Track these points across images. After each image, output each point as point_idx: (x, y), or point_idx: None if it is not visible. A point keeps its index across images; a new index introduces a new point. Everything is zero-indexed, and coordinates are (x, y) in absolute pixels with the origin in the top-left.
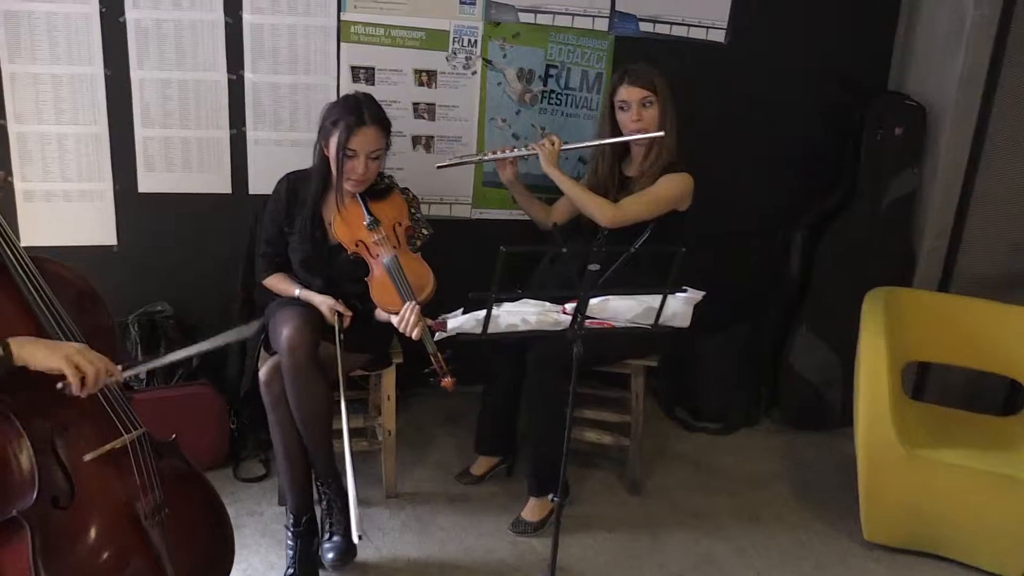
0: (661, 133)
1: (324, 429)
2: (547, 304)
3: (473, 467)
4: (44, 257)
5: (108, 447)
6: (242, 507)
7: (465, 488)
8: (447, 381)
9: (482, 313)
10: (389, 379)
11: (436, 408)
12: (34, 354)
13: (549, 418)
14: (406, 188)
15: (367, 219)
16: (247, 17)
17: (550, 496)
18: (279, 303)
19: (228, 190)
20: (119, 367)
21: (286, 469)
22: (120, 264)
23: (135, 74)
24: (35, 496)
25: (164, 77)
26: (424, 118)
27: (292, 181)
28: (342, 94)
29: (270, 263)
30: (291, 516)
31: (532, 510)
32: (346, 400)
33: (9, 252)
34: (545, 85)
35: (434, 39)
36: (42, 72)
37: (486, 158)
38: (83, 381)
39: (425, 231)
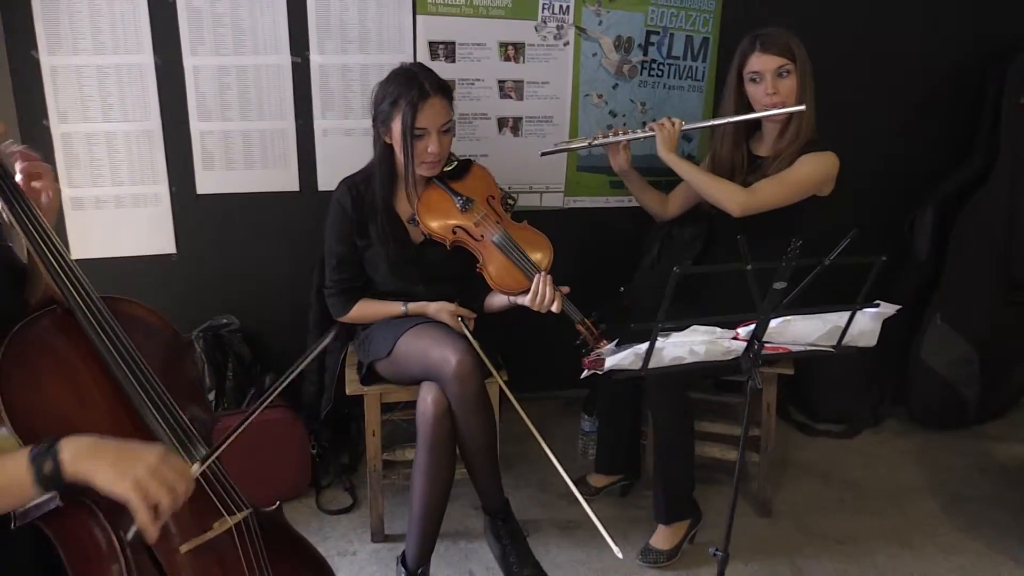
0: (802, 107)
1: (496, 456)
2: (717, 330)
3: (591, 478)
4: (116, 296)
5: (209, 535)
6: (332, 546)
7: (576, 512)
8: (604, 344)
9: (643, 347)
10: (493, 394)
11: (520, 420)
12: (95, 471)
13: (675, 437)
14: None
15: (458, 201)
16: None
17: (712, 550)
18: (391, 323)
19: (295, 187)
20: (195, 466)
21: (425, 517)
22: (180, 274)
23: (188, 61)
24: None
25: (221, 63)
26: (511, 97)
27: (353, 186)
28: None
29: (347, 292)
30: (403, 570)
31: (663, 537)
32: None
33: (78, 294)
34: (645, 54)
35: (521, 7)
36: (86, 64)
37: (596, 142)
38: (156, 511)
39: (511, 199)
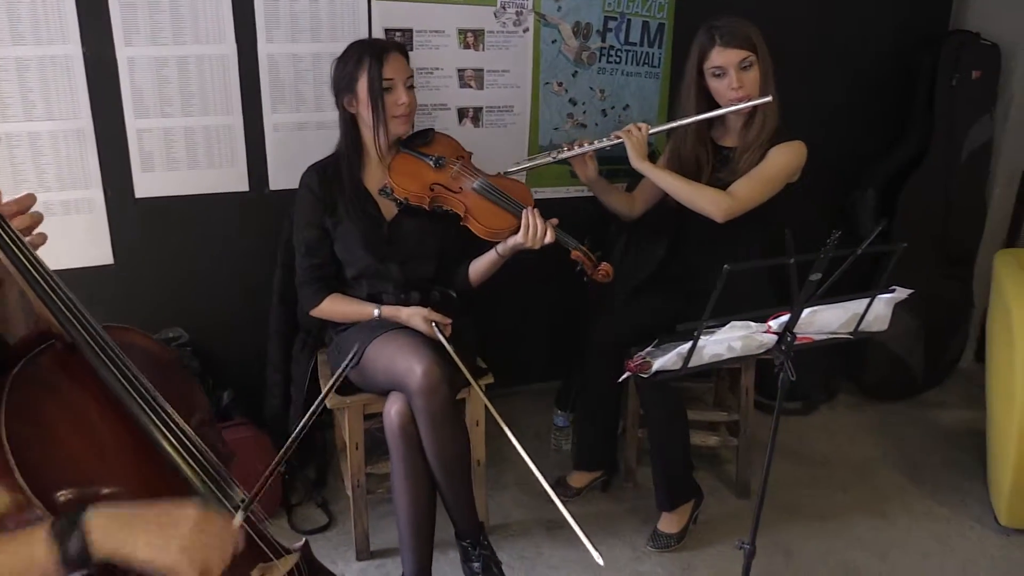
0: (768, 99)
1: (468, 474)
2: (752, 325)
3: (571, 478)
4: (111, 324)
5: None
6: None
7: (558, 509)
8: (604, 268)
9: (685, 347)
10: (477, 402)
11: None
12: (132, 545)
13: (670, 426)
14: None
15: (429, 160)
16: None
17: (738, 543)
18: (364, 329)
19: (245, 187)
20: (237, 516)
21: (414, 532)
22: (120, 285)
23: (122, 52)
24: None
25: (159, 54)
26: (471, 86)
27: (321, 169)
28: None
29: (319, 280)
30: None
31: (669, 522)
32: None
33: (81, 326)
34: (604, 41)
35: None
36: (2, 56)
37: (561, 155)
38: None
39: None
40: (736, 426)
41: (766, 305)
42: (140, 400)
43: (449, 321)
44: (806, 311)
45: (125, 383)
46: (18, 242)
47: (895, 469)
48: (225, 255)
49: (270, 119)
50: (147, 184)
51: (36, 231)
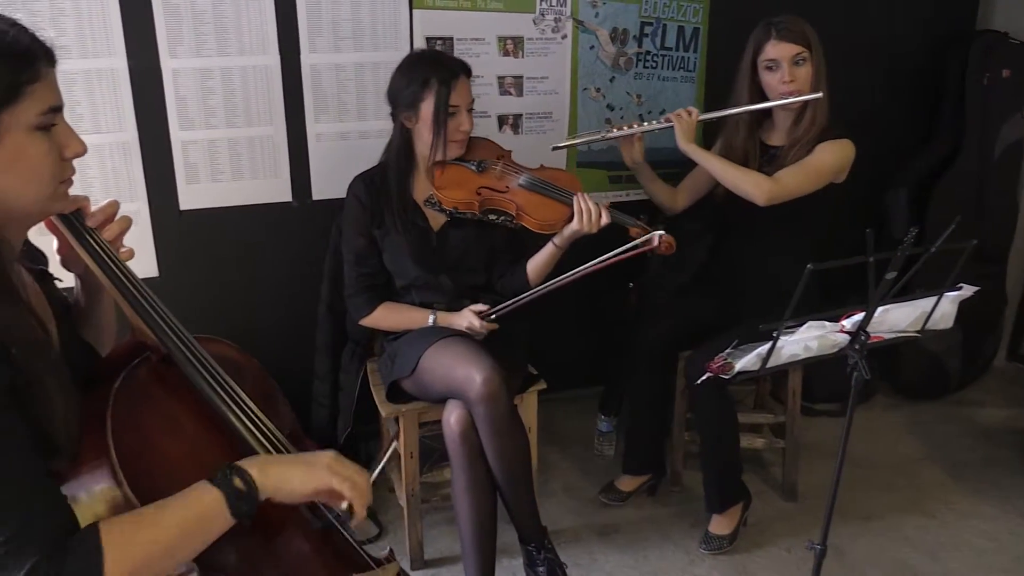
0: (819, 95)
1: (530, 478)
2: (827, 325)
3: (620, 482)
4: (204, 336)
5: None
6: None
7: (610, 515)
8: (666, 240)
9: (764, 347)
10: (531, 405)
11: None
12: (287, 477)
13: (722, 428)
14: None
15: (471, 166)
16: None
17: (809, 544)
18: (416, 337)
19: (288, 198)
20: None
21: (477, 540)
22: (164, 298)
23: (167, 64)
24: None
25: (203, 66)
26: (511, 93)
27: (367, 178)
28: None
29: (370, 289)
30: None
31: (720, 524)
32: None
33: (178, 339)
34: (640, 46)
35: (520, 0)
36: None
37: (611, 135)
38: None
39: None
40: (780, 428)
41: (813, 306)
42: (237, 410)
43: (495, 327)
44: (880, 310)
45: (222, 393)
46: (111, 256)
47: (937, 468)
48: (269, 266)
49: (313, 129)
50: (191, 196)
51: (123, 247)
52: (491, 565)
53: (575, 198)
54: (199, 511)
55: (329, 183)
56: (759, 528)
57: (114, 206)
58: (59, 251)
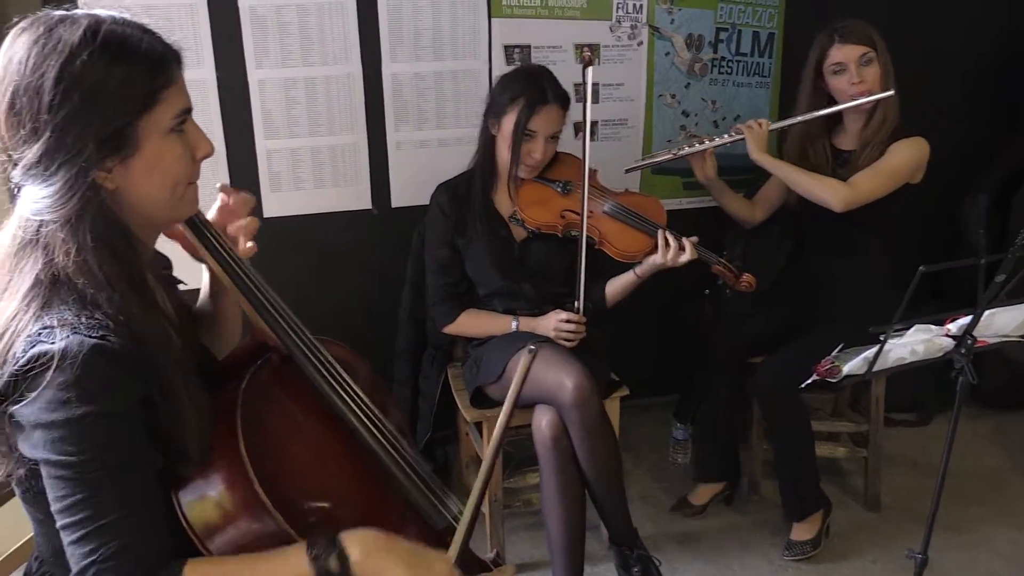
0: (890, 93)
1: (622, 480)
2: (933, 328)
3: (692, 496)
4: (324, 338)
5: None
6: None
7: (689, 523)
8: (747, 279)
9: (872, 351)
10: (614, 411)
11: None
12: (392, 572)
13: (798, 436)
14: None
15: (557, 187)
16: None
17: (908, 553)
18: (502, 343)
19: (368, 205)
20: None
21: (568, 544)
22: None
23: (253, 75)
24: None
25: (287, 76)
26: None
27: (450, 187)
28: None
29: (453, 298)
30: None
31: (801, 531)
32: None
33: (299, 339)
34: (715, 52)
35: (596, 7)
36: None
37: (681, 152)
38: None
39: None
40: (859, 437)
41: (892, 311)
42: (357, 410)
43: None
44: (987, 313)
45: (342, 393)
46: (232, 256)
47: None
48: (348, 272)
49: (393, 137)
50: (275, 204)
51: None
52: (580, 570)
53: (660, 232)
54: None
55: (408, 191)
56: (842, 538)
57: (251, 201)
58: (183, 246)
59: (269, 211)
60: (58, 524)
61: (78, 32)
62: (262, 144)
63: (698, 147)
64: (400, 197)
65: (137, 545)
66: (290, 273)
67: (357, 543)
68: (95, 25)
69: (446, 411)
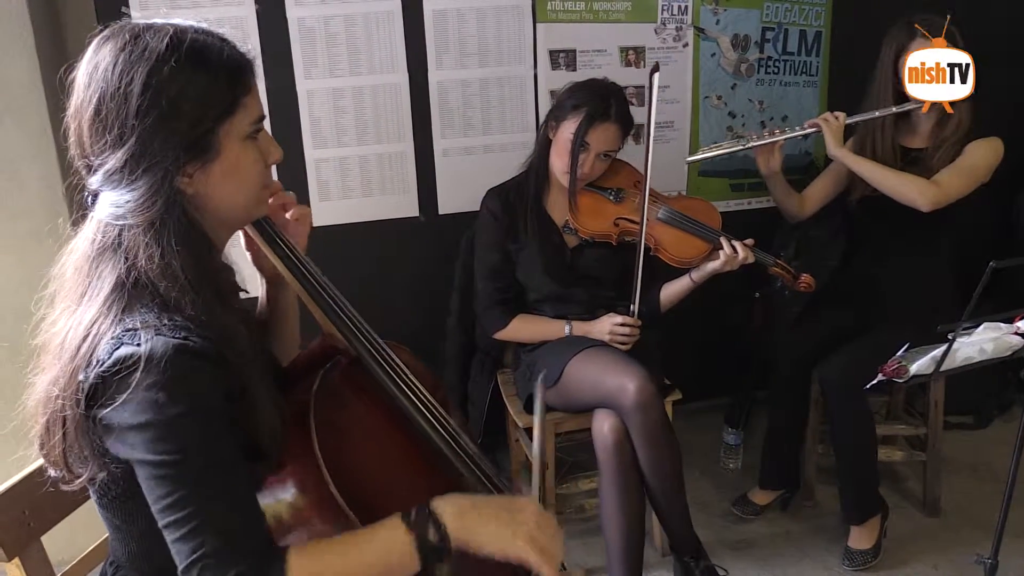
0: (970, 91)
1: (683, 487)
2: (1002, 327)
3: (754, 495)
4: (390, 342)
5: None
6: None
7: (742, 529)
8: (805, 280)
9: (940, 350)
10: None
11: None
12: (483, 530)
13: (858, 438)
14: None
15: (608, 195)
16: (428, 3)
17: (976, 558)
18: (556, 348)
19: (415, 213)
20: None
21: (627, 551)
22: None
23: (302, 85)
24: None
25: (335, 86)
26: (633, 103)
27: (502, 191)
28: (589, 78)
29: (504, 303)
30: None
31: (860, 537)
32: None
33: (368, 341)
34: (762, 52)
35: (641, 9)
36: None
37: (751, 144)
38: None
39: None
40: (916, 440)
41: (950, 312)
42: (426, 411)
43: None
44: None
45: (411, 395)
46: (300, 259)
47: None
48: (396, 279)
49: (439, 145)
50: (324, 213)
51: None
52: (639, 574)
53: (722, 240)
54: (387, 551)
55: (455, 197)
56: (900, 543)
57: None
58: (247, 247)
59: (318, 220)
60: (160, 523)
61: (164, 40)
62: (311, 153)
63: (768, 139)
64: (447, 204)
65: (241, 537)
66: (339, 281)
67: (448, 505)
68: (180, 34)
69: (496, 417)
